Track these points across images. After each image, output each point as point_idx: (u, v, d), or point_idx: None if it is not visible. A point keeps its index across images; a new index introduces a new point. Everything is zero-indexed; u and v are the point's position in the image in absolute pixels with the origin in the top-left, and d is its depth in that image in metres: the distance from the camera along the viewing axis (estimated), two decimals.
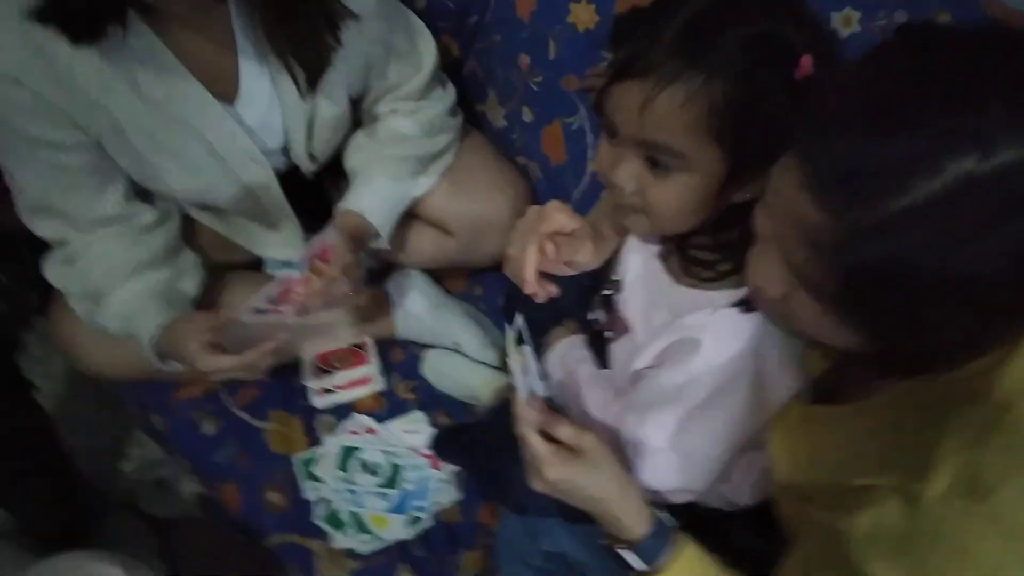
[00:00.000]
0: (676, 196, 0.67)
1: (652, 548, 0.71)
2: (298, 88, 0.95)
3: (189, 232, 1.09)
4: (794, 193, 0.50)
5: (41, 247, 1.10)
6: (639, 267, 0.81)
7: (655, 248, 0.79)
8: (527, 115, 1.10)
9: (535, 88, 1.07)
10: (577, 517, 0.87)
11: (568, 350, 0.95)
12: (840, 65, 0.62)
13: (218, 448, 1.07)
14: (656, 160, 0.66)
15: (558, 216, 0.75)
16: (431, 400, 1.11)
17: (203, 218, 1.12)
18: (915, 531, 0.54)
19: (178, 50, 0.89)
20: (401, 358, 1.16)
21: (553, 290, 0.77)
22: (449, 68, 1.17)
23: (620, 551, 0.73)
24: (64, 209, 0.95)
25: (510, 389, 1.07)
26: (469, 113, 1.18)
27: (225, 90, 0.95)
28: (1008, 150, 0.43)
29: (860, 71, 0.51)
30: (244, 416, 1.10)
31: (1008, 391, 0.54)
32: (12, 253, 1.09)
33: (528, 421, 0.70)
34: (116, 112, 0.89)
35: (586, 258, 0.75)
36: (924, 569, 0.54)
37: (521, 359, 0.73)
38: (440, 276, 1.22)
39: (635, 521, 0.71)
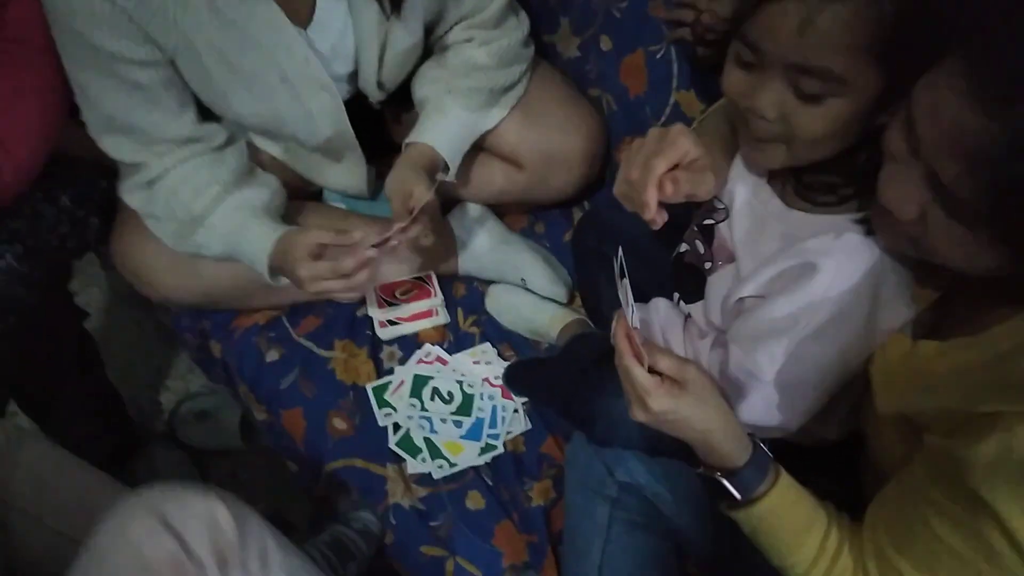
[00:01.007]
0: (824, 123, 0.64)
1: (751, 477, 0.70)
2: (383, 10, 0.93)
3: (255, 160, 1.07)
4: (954, 103, 0.49)
5: (105, 172, 1.08)
6: (747, 193, 0.78)
7: (764, 173, 0.77)
8: (605, 44, 1.08)
9: (617, 15, 1.04)
10: (657, 450, 0.87)
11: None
12: None
13: (283, 375, 1.07)
14: (804, 87, 0.63)
15: (683, 141, 0.71)
16: (495, 334, 1.10)
17: (266, 146, 1.10)
18: None
19: None
20: (464, 292, 1.14)
21: (665, 217, 0.74)
22: None
23: (720, 479, 0.72)
24: (140, 127, 0.93)
25: (581, 324, 1.07)
26: (539, 43, 1.16)
27: (300, 14, 0.93)
28: None
29: None
30: (308, 344, 1.08)
31: None
32: (76, 177, 1.07)
33: (629, 352, 0.68)
34: (192, 31, 0.87)
35: (707, 190, 0.73)
36: None
37: (622, 291, 0.71)
38: (501, 212, 1.20)
39: (736, 451, 0.70)
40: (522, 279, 1.11)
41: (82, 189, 1.07)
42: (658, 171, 0.69)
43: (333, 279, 0.90)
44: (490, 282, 1.14)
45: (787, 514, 0.72)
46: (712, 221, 0.82)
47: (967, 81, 0.49)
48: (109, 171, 1.07)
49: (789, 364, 0.73)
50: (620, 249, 0.71)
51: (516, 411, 1.02)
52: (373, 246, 0.91)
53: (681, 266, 0.87)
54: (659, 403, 0.69)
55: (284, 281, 0.97)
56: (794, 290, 0.71)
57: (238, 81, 0.93)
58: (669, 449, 0.82)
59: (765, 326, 0.73)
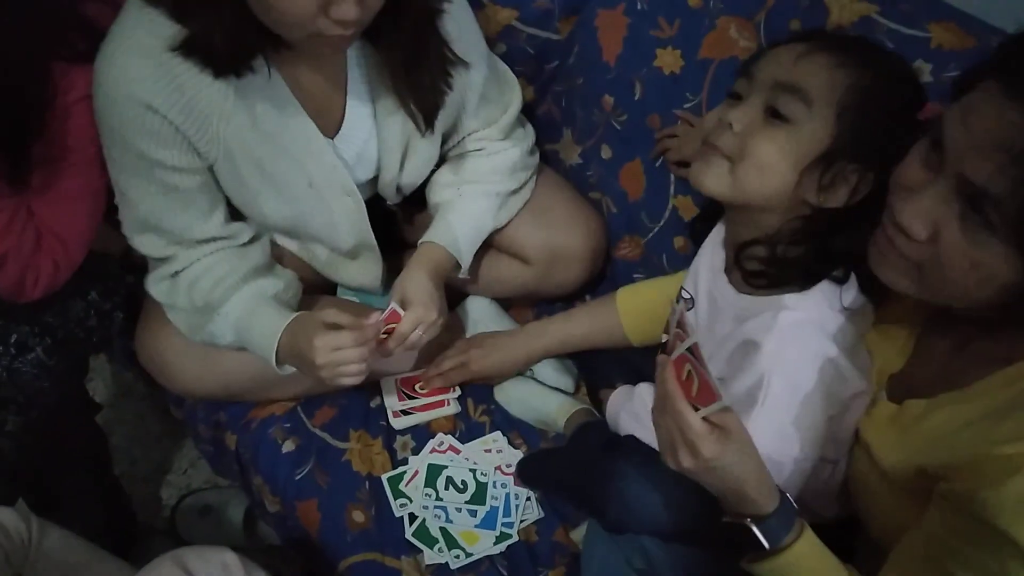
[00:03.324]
0: (775, 149, 0.75)
1: (779, 526, 0.73)
2: (418, 129, 1.01)
3: (274, 256, 1.13)
4: (990, 104, 0.58)
5: (131, 268, 1.13)
6: (708, 283, 0.87)
7: (720, 263, 0.86)
8: (606, 152, 1.17)
9: (617, 127, 1.14)
10: (671, 535, 0.90)
11: (622, 395, 1.00)
12: None
13: (298, 466, 1.09)
14: (777, 109, 0.74)
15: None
16: (505, 423, 1.13)
17: (286, 244, 1.16)
18: None
19: (294, 85, 0.95)
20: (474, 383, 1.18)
21: None
22: (524, 110, 1.24)
23: (751, 526, 0.73)
24: (172, 227, 0.99)
25: (587, 413, 1.11)
26: (542, 152, 1.25)
27: (330, 126, 1.01)
28: None
29: None
30: (323, 435, 1.11)
31: None
32: (104, 272, 1.11)
33: (683, 399, 0.70)
34: (231, 140, 0.94)
35: None
36: None
37: (682, 339, 0.74)
38: (508, 306, 1.26)
39: (766, 499, 0.72)
40: (530, 369, 1.16)
41: (109, 284, 1.12)
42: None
43: (349, 347, 0.92)
44: None
45: (812, 565, 0.74)
46: (685, 308, 0.89)
47: (1002, 83, 0.58)
48: (134, 267, 1.12)
49: (759, 439, 0.77)
50: (682, 289, 0.78)
51: (529, 499, 1.05)
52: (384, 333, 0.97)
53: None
54: (709, 449, 0.69)
55: (290, 370, 1.00)
56: (745, 368, 0.79)
57: (269, 186, 1.00)
58: (684, 529, 0.85)
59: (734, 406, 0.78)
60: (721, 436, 0.71)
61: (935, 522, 0.67)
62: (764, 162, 0.75)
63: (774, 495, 0.73)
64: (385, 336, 0.99)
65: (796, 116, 0.73)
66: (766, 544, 0.74)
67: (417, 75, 0.94)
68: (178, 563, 0.76)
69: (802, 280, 0.79)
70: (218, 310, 1.00)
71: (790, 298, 0.78)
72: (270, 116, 0.94)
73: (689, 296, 0.90)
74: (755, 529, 0.74)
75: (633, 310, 1.07)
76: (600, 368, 1.11)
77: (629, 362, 1.07)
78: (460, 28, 0.99)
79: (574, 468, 0.98)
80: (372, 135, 1.04)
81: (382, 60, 0.95)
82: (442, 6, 0.94)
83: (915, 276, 0.68)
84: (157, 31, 0.85)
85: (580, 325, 1.11)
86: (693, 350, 0.70)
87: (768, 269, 0.80)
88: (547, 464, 1.05)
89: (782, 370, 0.77)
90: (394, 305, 1.00)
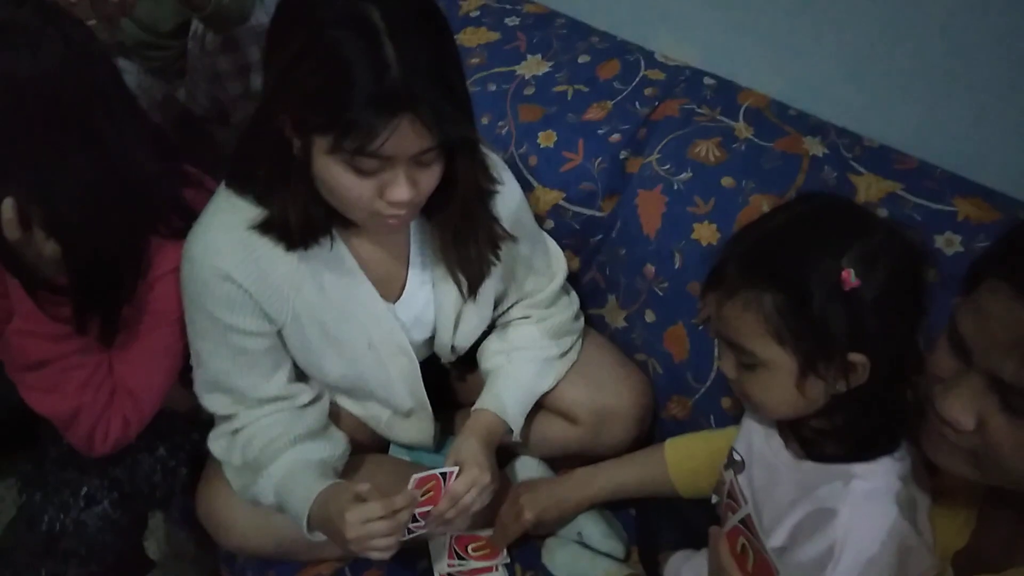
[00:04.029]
0: (761, 389, 0.79)
1: None
2: (462, 295, 1.09)
3: (331, 414, 1.18)
4: (1002, 306, 0.59)
5: (197, 426, 1.19)
6: (760, 444, 0.88)
7: (772, 424, 0.87)
8: (649, 316, 1.23)
9: (660, 293, 1.20)
10: None
11: (681, 558, 0.99)
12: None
13: None
14: (741, 358, 0.79)
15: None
16: None
17: (345, 403, 1.21)
18: None
19: (359, 256, 1.05)
20: (522, 546, 1.18)
21: None
22: (571, 278, 1.32)
23: None
24: (237, 387, 1.05)
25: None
26: (587, 316, 1.31)
27: (390, 292, 1.09)
28: None
29: None
30: None
31: None
32: (172, 429, 1.18)
33: (736, 572, 0.72)
34: (299, 306, 1.03)
35: None
36: None
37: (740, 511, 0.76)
38: (557, 467, 1.27)
39: None
40: (578, 533, 1.15)
41: (176, 440, 1.18)
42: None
43: (378, 520, 0.90)
44: (548, 535, 1.17)
45: None
46: (733, 471, 0.90)
47: (1010, 284, 0.60)
48: (199, 425, 1.18)
49: None
50: (732, 451, 0.85)
51: None
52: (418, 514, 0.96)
53: (714, 518, 0.94)
54: None
55: (320, 537, 1.00)
56: (816, 535, 0.78)
57: (332, 347, 1.07)
58: None
59: (790, 573, 0.77)
60: None
61: None
62: (762, 402, 0.81)
63: None
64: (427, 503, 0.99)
65: (757, 362, 0.78)
66: None
67: (465, 248, 1.03)
68: None
69: (855, 450, 0.80)
70: (264, 470, 1.03)
71: (859, 467, 0.78)
72: (337, 284, 1.03)
73: (740, 459, 0.91)
74: None
75: (681, 462, 1.07)
76: (658, 531, 1.10)
77: (688, 524, 1.06)
78: (509, 207, 1.09)
79: None
80: (430, 301, 1.12)
81: (435, 233, 1.04)
82: (494, 187, 1.04)
83: (974, 462, 0.68)
84: (240, 213, 0.96)
85: (630, 473, 1.11)
86: (746, 522, 0.72)
87: (817, 439, 0.82)
88: None
89: (856, 539, 0.76)
90: (428, 471, 1.01)
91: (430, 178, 0.90)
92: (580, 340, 1.24)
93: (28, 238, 0.88)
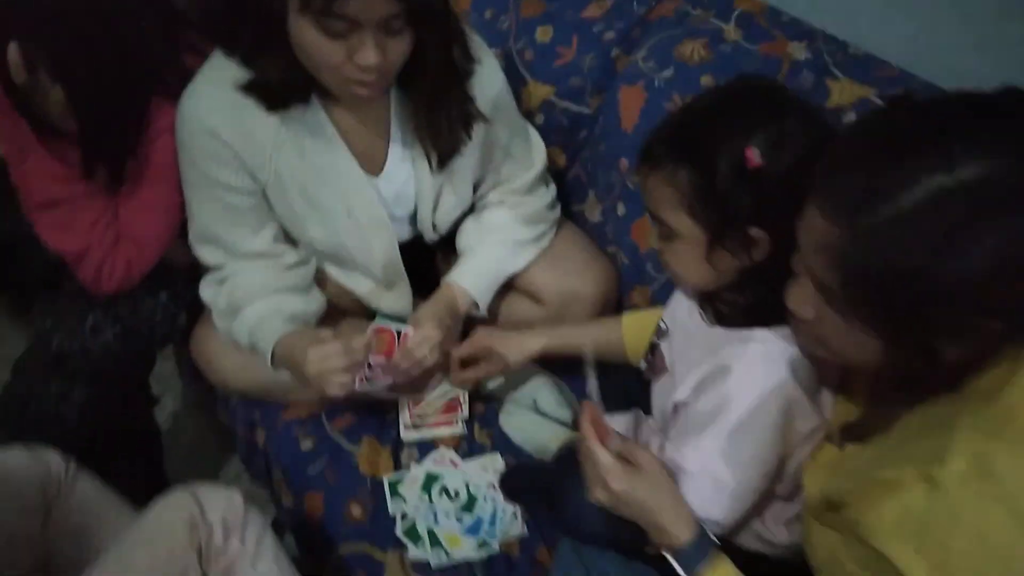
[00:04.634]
0: (677, 259, 0.86)
1: (693, 556, 0.80)
2: (430, 167, 1.16)
3: (319, 279, 1.28)
4: (817, 221, 0.65)
5: (196, 280, 1.31)
6: (683, 315, 0.95)
7: (695, 299, 0.93)
8: (621, 209, 1.29)
9: (631, 187, 1.26)
10: (630, 551, 0.96)
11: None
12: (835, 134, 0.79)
13: (312, 462, 1.20)
14: (660, 229, 0.85)
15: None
16: (503, 448, 1.21)
17: (332, 271, 1.31)
18: (937, 513, 0.62)
19: (341, 128, 1.12)
20: (482, 410, 1.28)
21: None
22: (556, 174, 1.38)
23: (665, 554, 0.81)
24: (226, 240, 1.15)
25: (577, 439, 1.18)
26: (569, 212, 1.38)
27: (372, 165, 1.16)
28: (968, 167, 0.58)
29: (857, 130, 0.68)
30: (339, 439, 1.23)
31: (1010, 404, 0.64)
32: (174, 281, 1.29)
33: (595, 438, 0.82)
34: (282, 168, 1.10)
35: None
36: (945, 552, 0.62)
37: (589, 384, 0.85)
38: None
39: (681, 530, 0.81)
40: (533, 400, 1.25)
41: (177, 291, 1.29)
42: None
43: (336, 358, 1.01)
44: (506, 402, 1.27)
45: None
46: (656, 340, 0.97)
47: (820, 205, 0.65)
48: (198, 280, 1.29)
49: (712, 457, 0.84)
50: (660, 321, 0.87)
51: (515, 516, 1.12)
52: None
53: (641, 382, 1.02)
54: (618, 483, 0.81)
55: (286, 375, 1.10)
56: (712, 389, 0.85)
57: (313, 212, 1.15)
58: (622, 540, 0.92)
59: (690, 422, 0.86)
60: (630, 471, 0.81)
61: (841, 551, 0.72)
62: (677, 272, 0.88)
63: (690, 527, 0.81)
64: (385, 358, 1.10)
65: (672, 233, 0.83)
66: (682, 572, 0.80)
67: (436, 121, 1.09)
68: (190, 491, 0.90)
69: (761, 321, 0.86)
70: (241, 312, 1.13)
71: (759, 332, 0.85)
72: (316, 150, 1.11)
73: (665, 327, 0.99)
74: (669, 557, 0.81)
75: (634, 330, 1.13)
76: (603, 398, 1.18)
77: (627, 391, 1.14)
78: (487, 91, 1.14)
79: (548, 483, 1.06)
80: (411, 177, 1.20)
81: (411, 106, 1.11)
82: (471, 66, 1.10)
83: (819, 343, 0.74)
84: (229, 75, 1.04)
85: (588, 334, 1.16)
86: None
87: (729, 311, 0.89)
88: (527, 475, 1.12)
89: (744, 393, 0.84)
90: (382, 323, 1.11)
91: (398, 46, 0.96)
92: (553, 229, 1.31)
93: (34, 82, 0.98)
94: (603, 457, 0.82)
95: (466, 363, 1.20)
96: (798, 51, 1.19)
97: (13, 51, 0.95)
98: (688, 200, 0.80)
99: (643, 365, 1.02)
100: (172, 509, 0.88)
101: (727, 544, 0.92)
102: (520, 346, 1.16)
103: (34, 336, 1.21)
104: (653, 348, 1.00)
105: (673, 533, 0.80)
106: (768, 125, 0.78)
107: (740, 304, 0.86)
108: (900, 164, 0.61)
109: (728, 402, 0.83)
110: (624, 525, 0.86)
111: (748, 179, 0.77)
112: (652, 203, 0.85)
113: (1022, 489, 0.61)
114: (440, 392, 1.26)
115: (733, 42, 1.24)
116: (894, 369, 0.70)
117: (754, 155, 0.76)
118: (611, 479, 0.81)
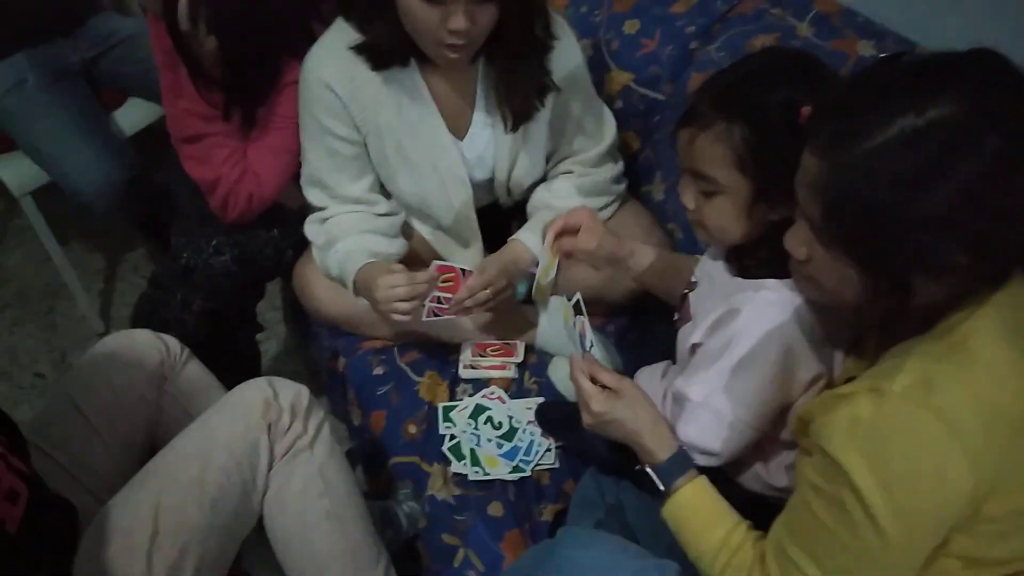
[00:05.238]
0: (718, 213, 0.92)
1: (670, 470, 0.90)
2: (505, 127, 1.30)
3: (406, 233, 1.45)
4: (806, 160, 0.73)
5: (303, 221, 1.51)
6: (710, 268, 1.03)
7: (721, 252, 1.02)
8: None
9: None
10: (633, 475, 1.05)
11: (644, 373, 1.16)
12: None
13: (380, 385, 1.37)
14: (702, 187, 0.92)
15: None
16: (548, 394, 1.33)
17: (416, 225, 1.47)
18: (879, 420, 0.70)
19: (434, 91, 1.28)
20: (534, 360, 1.40)
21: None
22: (630, 157, 1.50)
23: (648, 470, 0.91)
24: (329, 184, 1.33)
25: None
26: (638, 192, 1.49)
27: (459, 129, 1.32)
28: (936, 109, 0.65)
29: (848, 80, 0.78)
30: (406, 369, 1.38)
31: (964, 334, 0.70)
32: (285, 219, 1.50)
33: (581, 369, 0.94)
34: (381, 122, 1.28)
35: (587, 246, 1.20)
36: (886, 456, 0.69)
37: (579, 327, 0.96)
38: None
39: (661, 449, 0.91)
40: (585, 349, 1.35)
41: (288, 229, 1.50)
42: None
43: (402, 287, 1.16)
44: (556, 356, 1.39)
45: (697, 507, 0.88)
46: (687, 291, 1.06)
47: (811, 143, 0.73)
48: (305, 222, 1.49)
49: (715, 391, 0.92)
50: (577, 293, 0.99)
51: (549, 450, 1.23)
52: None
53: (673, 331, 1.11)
54: (598, 405, 0.92)
55: (364, 302, 1.26)
56: (722, 329, 0.94)
57: (404, 164, 1.32)
58: (624, 464, 1.01)
59: (701, 357, 0.95)
60: (610, 395, 0.92)
61: (804, 463, 0.79)
62: (717, 225, 0.93)
63: (670, 446, 0.91)
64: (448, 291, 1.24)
65: (717, 189, 0.90)
66: (661, 486, 0.90)
67: (513, 84, 1.24)
68: (267, 380, 1.07)
69: (775, 273, 0.94)
70: (334, 245, 1.31)
71: (772, 282, 0.92)
72: (411, 109, 1.28)
73: (695, 281, 1.08)
74: (649, 470, 0.90)
75: None
76: (639, 354, 1.28)
77: (665, 345, 1.22)
78: (564, 66, 1.28)
79: (572, 413, 1.17)
80: (491, 143, 1.35)
81: (493, 74, 1.26)
82: (549, 41, 1.24)
83: (814, 286, 0.81)
84: (346, 38, 1.22)
85: (665, 259, 1.19)
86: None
87: (753, 263, 0.97)
88: (558, 410, 1.24)
89: (747, 334, 0.92)
90: (449, 263, 1.25)
91: (484, 15, 1.11)
92: (617, 202, 1.42)
93: (195, 32, 1.20)
94: (585, 384, 0.94)
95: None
96: (866, 48, 1.25)
97: (182, 4, 1.18)
98: (741, 155, 0.87)
99: (676, 316, 1.12)
100: (252, 389, 1.06)
101: (732, 485, 1.01)
102: (633, 255, 1.19)
103: (169, 252, 1.45)
104: (683, 298, 1.09)
105: (652, 450, 0.91)
106: (812, 85, 0.85)
107: (762, 256, 0.94)
108: (876, 106, 0.69)
109: (734, 340, 0.92)
110: (622, 450, 0.97)
111: (799, 134, 0.80)
112: (699, 161, 0.91)
113: (959, 404, 0.68)
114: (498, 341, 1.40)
115: (804, 38, 1.31)
116: (875, 306, 0.76)
117: (808, 112, 0.81)
118: (592, 403, 0.93)
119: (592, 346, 0.98)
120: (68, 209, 1.85)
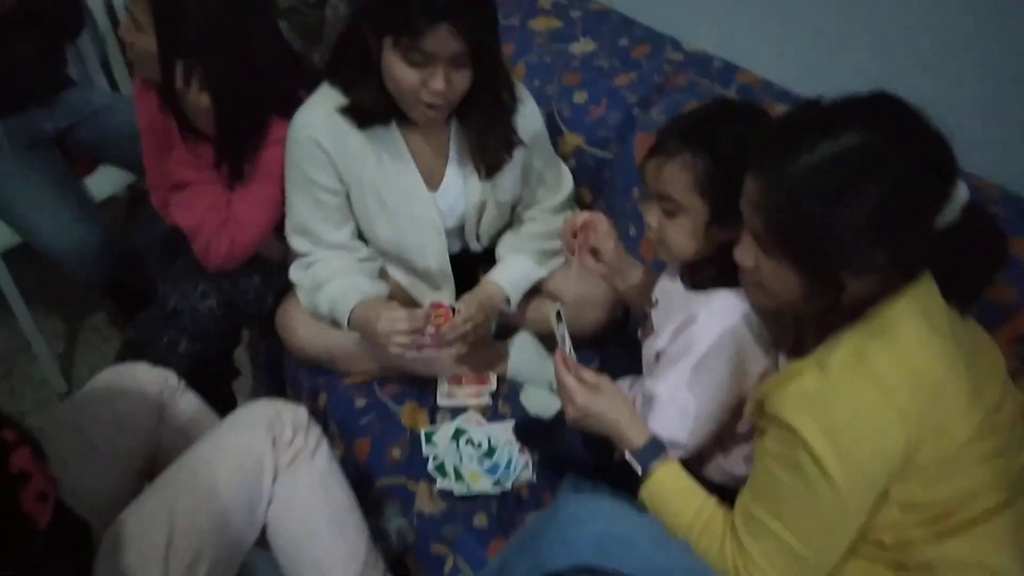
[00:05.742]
0: (678, 231, 1.08)
1: (647, 455, 1.03)
2: (479, 176, 1.45)
3: (382, 276, 1.57)
4: (748, 181, 0.89)
5: (283, 269, 1.61)
6: (667, 283, 1.19)
7: (676, 271, 1.18)
8: (632, 231, 1.56)
9: (640, 212, 1.53)
10: (610, 477, 1.16)
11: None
12: None
13: (362, 416, 1.45)
14: (666, 207, 1.07)
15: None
16: (520, 417, 1.44)
17: (391, 270, 1.59)
18: (824, 389, 0.84)
19: (411, 148, 1.43)
20: (506, 389, 1.51)
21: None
22: (584, 207, 1.67)
23: (627, 457, 1.03)
24: (314, 231, 1.45)
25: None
26: None
27: (432, 181, 1.47)
28: (847, 137, 0.82)
29: (781, 118, 0.93)
30: (386, 400, 1.47)
31: (888, 317, 0.86)
32: (267, 270, 1.59)
33: (565, 368, 1.06)
34: (363, 174, 1.42)
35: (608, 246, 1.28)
36: (832, 419, 0.83)
37: (560, 332, 1.10)
38: (547, 345, 1.60)
39: (637, 436, 1.04)
40: (549, 382, 1.48)
41: (270, 278, 1.59)
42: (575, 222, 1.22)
43: (402, 322, 1.30)
44: (526, 384, 1.51)
45: (671, 487, 1.01)
46: (648, 310, 1.21)
47: (753, 166, 0.89)
48: (286, 270, 1.59)
49: (680, 388, 1.07)
50: (559, 305, 1.13)
51: (527, 465, 1.34)
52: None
53: (632, 352, 1.25)
54: (580, 398, 1.05)
55: (354, 333, 1.38)
56: (682, 334, 1.09)
57: (383, 214, 1.45)
58: (602, 464, 1.13)
59: (665, 362, 1.09)
60: (590, 389, 1.05)
61: (763, 440, 0.93)
62: (677, 242, 1.09)
63: (644, 434, 1.04)
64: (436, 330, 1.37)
65: (679, 211, 1.06)
66: (638, 468, 1.02)
67: (485, 140, 1.41)
68: (270, 400, 1.16)
69: (726, 284, 1.10)
70: (324, 286, 1.42)
71: (723, 292, 1.08)
72: (391, 164, 1.42)
73: (655, 299, 1.23)
74: (630, 458, 1.03)
75: None
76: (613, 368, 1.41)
77: (630, 364, 1.35)
78: (527, 128, 1.46)
79: (548, 426, 1.29)
80: (462, 193, 1.50)
81: (466, 132, 1.42)
82: (514, 104, 1.42)
83: (762, 291, 0.95)
84: (332, 100, 1.37)
85: (644, 282, 1.29)
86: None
87: (704, 277, 1.13)
88: (535, 424, 1.35)
89: (706, 336, 1.07)
90: (443, 301, 1.38)
91: (460, 79, 1.28)
92: None
93: (186, 91, 1.33)
94: (567, 380, 1.06)
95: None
96: (780, 109, 1.47)
97: (179, 66, 1.31)
98: (702, 182, 1.03)
99: (639, 333, 1.26)
100: (257, 406, 1.14)
101: (697, 478, 1.13)
102: (631, 268, 1.30)
103: (155, 300, 1.52)
104: (645, 317, 1.24)
105: (629, 438, 1.03)
106: (756, 124, 1.03)
107: (713, 271, 1.11)
108: (801, 137, 0.86)
109: (693, 343, 1.07)
110: (597, 448, 1.09)
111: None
112: (666, 185, 1.06)
113: (888, 370, 0.83)
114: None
115: None
116: (813, 303, 0.92)
117: None
118: (575, 396, 1.05)
119: (571, 351, 1.10)
120: (29, 271, 1.88)
